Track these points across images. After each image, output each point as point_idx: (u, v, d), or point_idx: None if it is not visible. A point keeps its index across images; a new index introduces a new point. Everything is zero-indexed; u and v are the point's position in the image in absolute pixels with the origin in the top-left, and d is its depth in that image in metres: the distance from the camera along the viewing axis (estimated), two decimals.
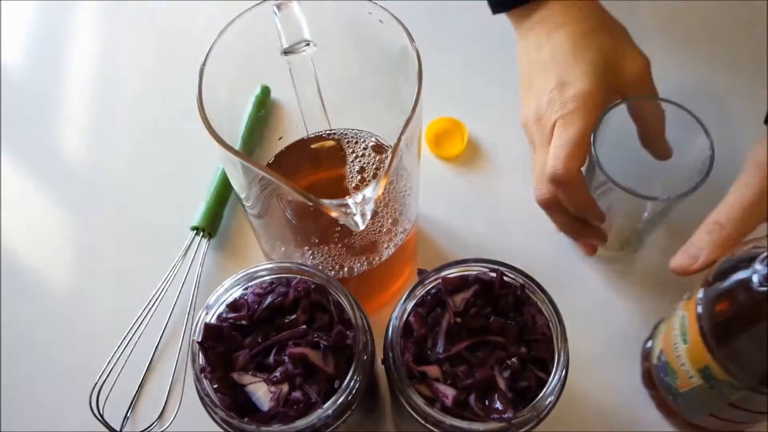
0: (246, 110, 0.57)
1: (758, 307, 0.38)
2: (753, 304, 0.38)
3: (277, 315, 0.40)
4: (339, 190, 0.49)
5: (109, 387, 0.52)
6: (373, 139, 0.50)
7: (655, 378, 0.49)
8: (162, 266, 0.55)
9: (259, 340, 0.39)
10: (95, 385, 0.51)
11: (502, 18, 0.55)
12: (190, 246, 0.56)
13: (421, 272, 0.40)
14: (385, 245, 0.48)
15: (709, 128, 0.47)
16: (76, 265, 0.58)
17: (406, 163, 0.44)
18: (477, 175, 0.60)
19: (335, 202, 0.35)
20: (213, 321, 0.39)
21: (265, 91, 0.59)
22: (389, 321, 0.39)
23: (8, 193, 0.61)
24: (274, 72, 0.44)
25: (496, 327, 0.39)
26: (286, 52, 0.42)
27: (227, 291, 0.40)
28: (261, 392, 0.37)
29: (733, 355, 0.40)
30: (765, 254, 0.37)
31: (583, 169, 0.48)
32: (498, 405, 0.37)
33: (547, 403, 0.37)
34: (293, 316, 0.39)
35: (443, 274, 0.40)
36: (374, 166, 0.49)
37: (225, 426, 0.37)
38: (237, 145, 0.42)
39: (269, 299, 0.39)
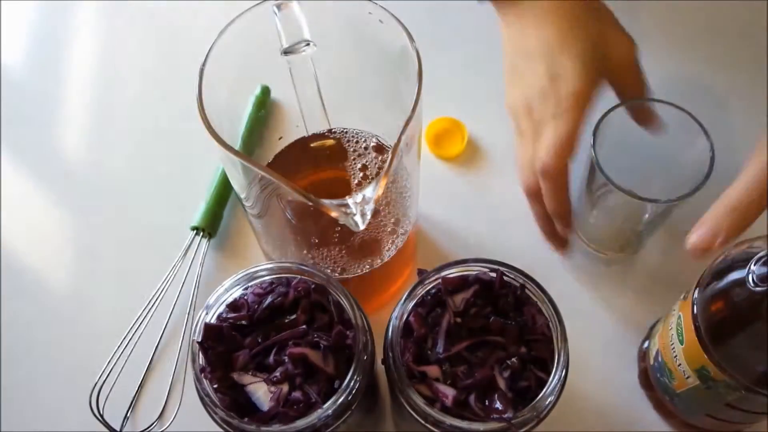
0: (246, 110, 0.57)
1: (754, 307, 0.38)
2: (749, 305, 0.38)
3: (277, 315, 0.40)
4: (339, 190, 0.49)
5: (109, 387, 0.52)
6: (373, 138, 0.50)
7: (652, 378, 0.49)
8: (162, 266, 0.55)
9: (259, 340, 0.39)
10: (95, 385, 0.51)
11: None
12: (190, 246, 0.56)
13: (421, 272, 0.40)
14: (386, 245, 0.48)
15: (709, 129, 0.47)
16: (76, 265, 0.58)
17: (406, 163, 0.44)
18: (477, 175, 0.60)
19: (335, 202, 0.35)
20: (213, 321, 0.39)
21: (265, 91, 0.59)
22: (389, 321, 0.39)
23: (8, 193, 0.61)
24: (274, 72, 0.44)
25: (496, 327, 0.39)
26: (286, 52, 0.42)
27: (227, 291, 0.40)
28: (261, 392, 0.37)
29: (730, 356, 0.40)
30: (760, 254, 0.37)
31: (583, 170, 0.48)
32: (498, 405, 0.37)
33: (547, 403, 0.37)
34: (293, 316, 0.39)
35: (443, 274, 0.40)
36: (377, 166, 0.49)
37: (225, 426, 0.37)
38: (237, 145, 0.42)
39: (269, 299, 0.39)
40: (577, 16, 0.51)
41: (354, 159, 0.49)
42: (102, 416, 0.51)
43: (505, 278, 0.40)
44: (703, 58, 0.64)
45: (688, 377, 0.43)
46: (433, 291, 0.40)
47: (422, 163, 0.47)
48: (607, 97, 0.51)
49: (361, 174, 0.49)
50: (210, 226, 0.56)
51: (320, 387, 0.37)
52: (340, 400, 0.36)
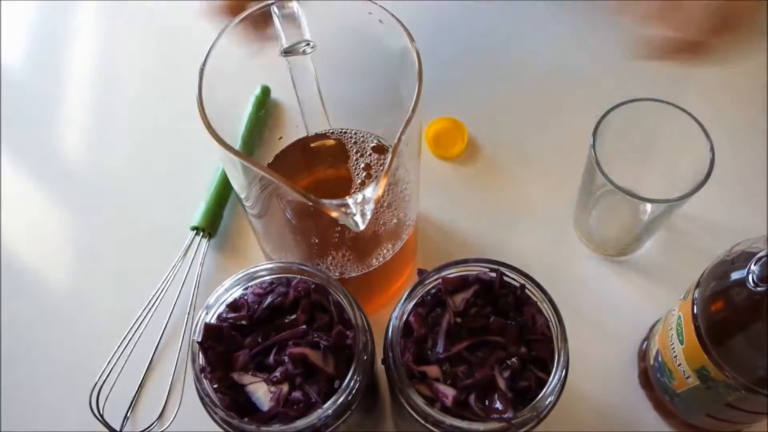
0: (246, 110, 0.57)
1: (754, 308, 0.37)
2: (749, 305, 0.38)
3: (277, 315, 0.40)
4: (339, 190, 0.49)
5: (109, 387, 0.52)
6: (373, 139, 0.50)
7: (652, 378, 0.49)
8: (162, 266, 0.55)
9: (259, 340, 0.39)
10: (95, 385, 0.51)
11: (503, 17, 0.55)
12: (190, 246, 0.56)
13: (421, 272, 0.40)
14: (386, 245, 0.48)
15: (708, 129, 0.47)
16: (76, 265, 0.58)
17: (406, 163, 0.44)
18: (477, 175, 0.60)
19: (335, 202, 0.35)
20: (213, 321, 0.39)
21: (265, 91, 0.59)
22: (389, 321, 0.39)
23: (8, 193, 0.61)
24: (274, 72, 0.44)
25: (496, 327, 0.39)
26: (286, 52, 0.42)
27: (227, 291, 0.40)
28: (261, 392, 0.37)
29: (730, 356, 0.40)
30: (760, 254, 0.37)
31: (583, 170, 0.48)
32: (498, 405, 0.37)
33: (547, 403, 0.37)
34: (293, 316, 0.39)
35: (443, 274, 0.40)
36: (377, 166, 0.49)
37: (225, 426, 0.37)
38: (237, 145, 0.42)
39: (269, 299, 0.39)
40: None
41: (354, 159, 0.49)
42: (102, 416, 0.51)
43: (505, 278, 0.40)
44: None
45: (688, 377, 0.43)
46: (433, 291, 0.40)
47: (422, 163, 0.47)
48: (608, 97, 0.51)
49: (362, 174, 0.49)
50: (210, 226, 0.56)
51: (320, 387, 0.37)
52: (340, 400, 0.36)
